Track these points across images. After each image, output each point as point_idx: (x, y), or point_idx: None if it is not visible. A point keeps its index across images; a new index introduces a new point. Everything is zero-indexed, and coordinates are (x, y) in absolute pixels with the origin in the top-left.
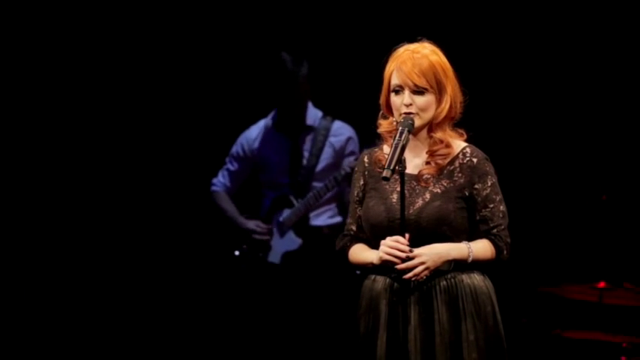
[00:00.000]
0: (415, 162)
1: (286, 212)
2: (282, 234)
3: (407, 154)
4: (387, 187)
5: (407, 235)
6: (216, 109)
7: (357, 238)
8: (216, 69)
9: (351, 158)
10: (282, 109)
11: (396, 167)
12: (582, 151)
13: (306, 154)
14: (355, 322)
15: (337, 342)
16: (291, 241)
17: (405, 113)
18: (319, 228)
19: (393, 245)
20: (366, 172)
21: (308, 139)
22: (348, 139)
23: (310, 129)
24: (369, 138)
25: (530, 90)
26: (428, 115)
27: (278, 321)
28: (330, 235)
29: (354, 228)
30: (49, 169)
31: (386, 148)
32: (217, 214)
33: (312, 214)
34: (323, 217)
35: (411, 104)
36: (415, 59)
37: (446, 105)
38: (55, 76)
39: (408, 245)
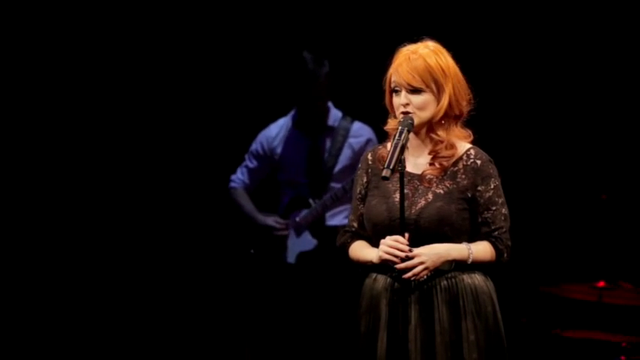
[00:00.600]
0: (419, 162)
1: (303, 212)
2: (298, 234)
3: (410, 154)
4: (390, 186)
5: (407, 235)
6: (235, 106)
7: (358, 235)
8: (236, 67)
9: None
10: (302, 108)
11: (397, 167)
12: (582, 151)
13: (325, 154)
14: (356, 322)
15: (348, 342)
16: (307, 241)
17: (403, 113)
18: (334, 228)
19: (392, 245)
20: (369, 170)
21: (327, 140)
22: (368, 140)
23: (330, 129)
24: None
25: (530, 91)
26: (426, 114)
27: (293, 320)
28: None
29: (355, 225)
30: (68, 170)
31: (390, 146)
32: (235, 211)
33: (327, 215)
34: (339, 218)
35: (407, 104)
36: (411, 60)
37: (444, 104)
38: (79, 75)
39: (407, 245)
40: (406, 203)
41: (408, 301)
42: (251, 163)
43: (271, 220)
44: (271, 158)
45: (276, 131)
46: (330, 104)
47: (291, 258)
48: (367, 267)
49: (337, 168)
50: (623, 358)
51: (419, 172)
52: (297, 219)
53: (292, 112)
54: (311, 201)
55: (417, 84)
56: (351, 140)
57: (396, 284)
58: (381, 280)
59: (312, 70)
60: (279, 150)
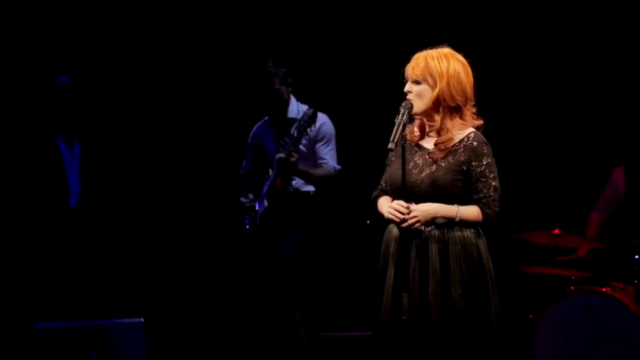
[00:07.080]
0: (430, 140)
1: (266, 184)
2: (261, 202)
3: (426, 133)
4: (407, 156)
5: (412, 203)
6: (239, 109)
7: (384, 192)
8: (240, 76)
9: (322, 142)
10: (264, 104)
11: (399, 141)
12: (545, 129)
13: (288, 141)
14: (377, 261)
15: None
16: (262, 204)
17: (407, 98)
18: (286, 190)
19: (394, 207)
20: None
21: (291, 129)
22: (320, 125)
23: (293, 120)
24: (348, 126)
25: (526, 76)
26: (422, 101)
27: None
28: (292, 197)
29: (383, 184)
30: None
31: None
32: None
33: (292, 182)
34: (298, 184)
35: (409, 91)
36: (417, 60)
37: (434, 95)
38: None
39: (407, 208)
40: (416, 170)
41: (410, 247)
42: (248, 154)
43: (243, 198)
44: (258, 148)
45: (259, 127)
46: (292, 99)
47: (257, 219)
48: (386, 219)
49: (299, 151)
50: (572, 287)
51: (429, 148)
52: (264, 190)
53: None
54: (270, 172)
55: (415, 77)
56: (308, 129)
57: (402, 234)
58: (393, 230)
59: (266, 73)
60: (259, 141)
